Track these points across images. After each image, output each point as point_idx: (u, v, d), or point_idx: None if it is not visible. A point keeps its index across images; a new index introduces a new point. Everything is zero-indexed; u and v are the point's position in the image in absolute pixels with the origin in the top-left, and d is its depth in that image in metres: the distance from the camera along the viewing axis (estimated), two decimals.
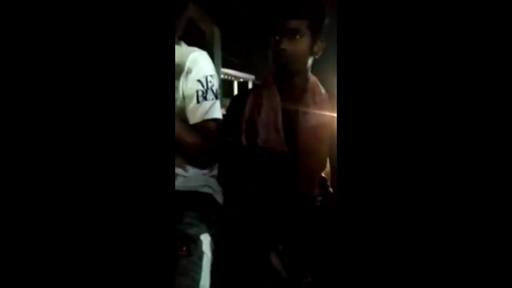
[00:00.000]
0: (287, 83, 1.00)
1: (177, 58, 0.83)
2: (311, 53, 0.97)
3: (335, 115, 0.95)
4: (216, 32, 1.10)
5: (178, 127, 0.78)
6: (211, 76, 0.87)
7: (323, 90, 1.02)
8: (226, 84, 4.92)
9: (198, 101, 0.85)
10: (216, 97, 0.88)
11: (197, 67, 0.85)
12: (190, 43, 0.94)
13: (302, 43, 0.94)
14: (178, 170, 0.89)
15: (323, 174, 1.04)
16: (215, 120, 0.88)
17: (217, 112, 0.88)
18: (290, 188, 0.97)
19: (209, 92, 0.86)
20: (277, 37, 0.94)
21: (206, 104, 0.86)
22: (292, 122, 0.98)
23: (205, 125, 0.86)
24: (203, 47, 0.92)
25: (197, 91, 0.85)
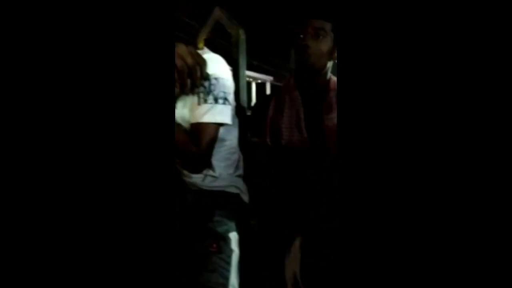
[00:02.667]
0: (308, 84, 1.02)
1: None
2: (330, 57, 1.00)
3: None
4: (242, 35, 1.12)
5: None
6: (215, 79, 0.85)
7: None
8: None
9: (198, 103, 0.84)
10: (216, 101, 0.85)
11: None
12: (216, 46, 0.96)
13: (324, 44, 0.97)
14: (211, 171, 0.91)
15: None
16: (218, 124, 0.86)
17: (214, 116, 0.85)
18: (313, 186, 0.98)
19: (210, 96, 0.84)
20: (301, 36, 0.96)
21: (203, 108, 0.84)
22: (315, 122, 1.00)
23: (199, 128, 0.84)
24: (228, 50, 0.94)
25: (198, 93, 0.84)
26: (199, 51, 0.86)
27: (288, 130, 1.00)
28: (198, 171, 0.90)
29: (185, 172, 0.93)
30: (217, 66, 0.88)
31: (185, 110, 0.87)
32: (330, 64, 1.02)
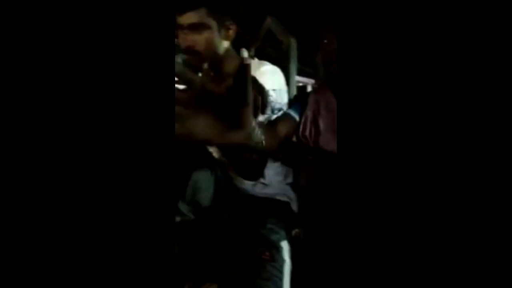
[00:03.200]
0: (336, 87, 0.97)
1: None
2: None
3: None
4: (293, 42, 1.12)
5: None
6: (273, 90, 0.86)
7: None
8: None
9: (255, 115, 0.83)
10: (273, 112, 0.87)
11: (262, 80, 0.86)
12: (268, 54, 0.97)
13: None
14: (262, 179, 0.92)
15: None
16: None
17: None
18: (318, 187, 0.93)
19: (268, 108, 0.86)
20: (325, 41, 0.93)
21: (260, 119, 0.85)
22: None
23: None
24: (280, 58, 0.94)
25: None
26: (254, 62, 0.87)
27: (327, 132, 0.96)
28: (254, 177, 0.90)
29: (238, 178, 0.94)
30: (276, 78, 0.90)
31: None
32: None
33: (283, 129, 0.93)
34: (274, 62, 0.99)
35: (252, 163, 0.82)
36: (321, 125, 0.97)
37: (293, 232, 0.92)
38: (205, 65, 0.86)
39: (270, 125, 0.91)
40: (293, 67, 1.16)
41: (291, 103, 1.01)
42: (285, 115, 0.95)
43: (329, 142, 0.94)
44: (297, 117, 0.98)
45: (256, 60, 0.97)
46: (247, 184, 0.93)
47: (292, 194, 0.97)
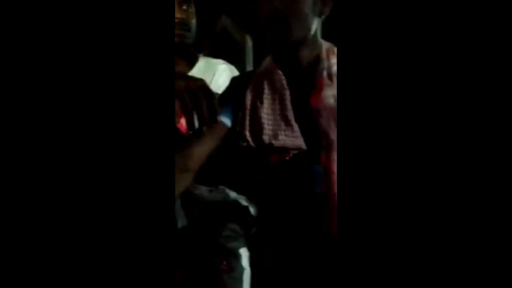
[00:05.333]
0: (290, 60, 0.78)
1: (205, 68, 0.84)
2: (316, 11, 0.75)
3: None
4: (248, 40, 1.11)
5: None
6: None
7: None
8: None
9: None
10: None
11: (220, 80, 0.87)
12: (223, 52, 0.95)
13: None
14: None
15: None
16: None
17: None
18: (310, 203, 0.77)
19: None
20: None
21: None
22: (308, 109, 0.75)
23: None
24: (235, 55, 0.93)
25: None
26: (211, 61, 0.86)
27: (272, 121, 0.76)
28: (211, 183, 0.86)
29: (193, 183, 0.90)
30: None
31: None
32: (316, 23, 0.76)
33: (209, 147, 0.78)
34: (229, 60, 0.96)
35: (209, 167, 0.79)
36: (264, 115, 0.76)
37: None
38: None
39: (192, 144, 0.78)
40: (249, 63, 1.15)
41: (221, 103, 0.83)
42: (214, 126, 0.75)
43: (276, 135, 0.75)
44: (228, 122, 0.79)
45: (212, 59, 0.95)
46: (203, 190, 0.89)
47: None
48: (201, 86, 0.60)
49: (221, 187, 0.90)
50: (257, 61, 1.12)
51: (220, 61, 0.95)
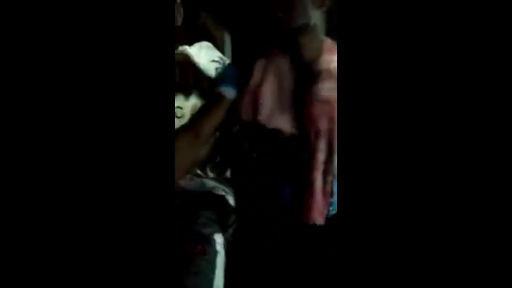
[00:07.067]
0: (291, 46, 0.79)
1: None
2: (316, 1, 0.75)
3: None
4: (227, 37, 1.14)
5: None
6: (212, 61, 0.92)
7: None
8: None
9: None
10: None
11: (200, 55, 0.92)
12: None
13: None
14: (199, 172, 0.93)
15: None
16: None
17: None
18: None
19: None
20: None
21: None
22: (305, 98, 0.77)
23: None
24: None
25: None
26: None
27: (269, 104, 0.77)
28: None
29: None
30: (213, 51, 0.98)
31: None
32: (317, 15, 0.76)
33: (216, 116, 0.80)
34: None
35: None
36: (263, 96, 0.78)
37: None
38: None
39: (201, 113, 0.83)
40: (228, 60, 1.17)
41: (226, 73, 0.86)
42: (217, 96, 0.80)
43: (273, 117, 0.77)
44: (231, 94, 0.81)
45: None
46: (183, 180, 0.93)
47: (228, 188, 0.98)
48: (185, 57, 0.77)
49: (201, 175, 0.93)
50: (235, 57, 1.15)
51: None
